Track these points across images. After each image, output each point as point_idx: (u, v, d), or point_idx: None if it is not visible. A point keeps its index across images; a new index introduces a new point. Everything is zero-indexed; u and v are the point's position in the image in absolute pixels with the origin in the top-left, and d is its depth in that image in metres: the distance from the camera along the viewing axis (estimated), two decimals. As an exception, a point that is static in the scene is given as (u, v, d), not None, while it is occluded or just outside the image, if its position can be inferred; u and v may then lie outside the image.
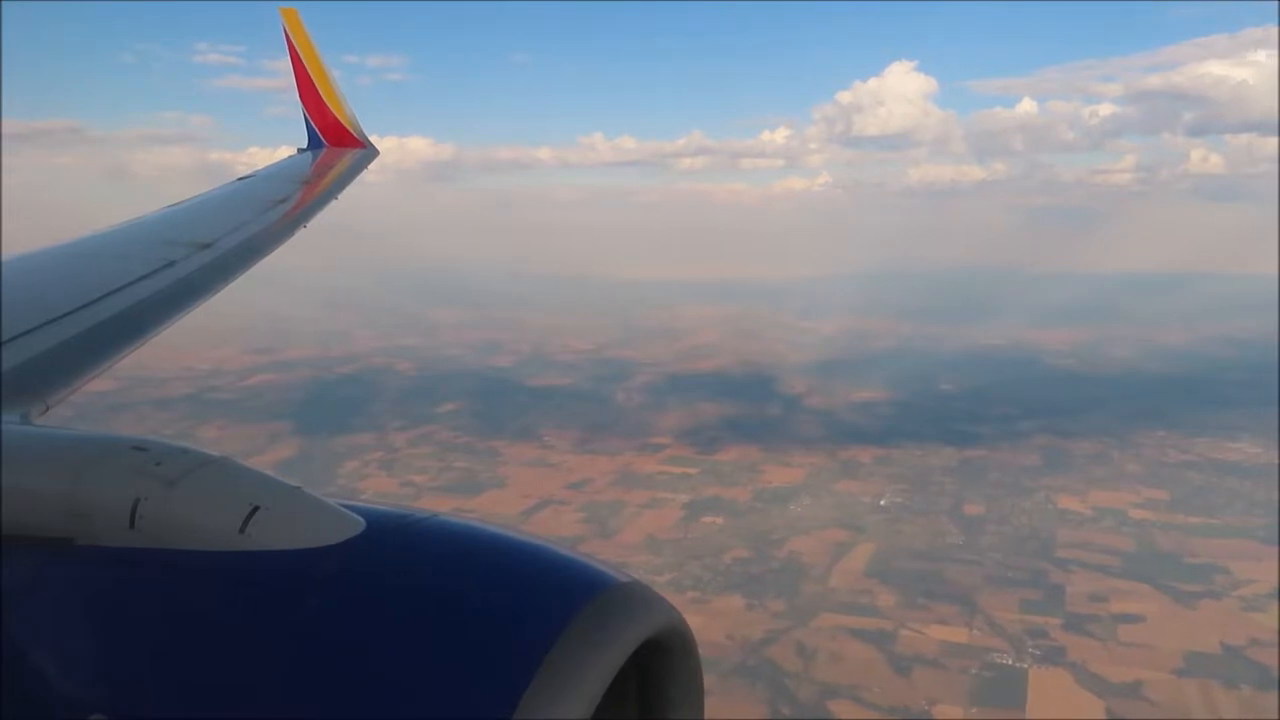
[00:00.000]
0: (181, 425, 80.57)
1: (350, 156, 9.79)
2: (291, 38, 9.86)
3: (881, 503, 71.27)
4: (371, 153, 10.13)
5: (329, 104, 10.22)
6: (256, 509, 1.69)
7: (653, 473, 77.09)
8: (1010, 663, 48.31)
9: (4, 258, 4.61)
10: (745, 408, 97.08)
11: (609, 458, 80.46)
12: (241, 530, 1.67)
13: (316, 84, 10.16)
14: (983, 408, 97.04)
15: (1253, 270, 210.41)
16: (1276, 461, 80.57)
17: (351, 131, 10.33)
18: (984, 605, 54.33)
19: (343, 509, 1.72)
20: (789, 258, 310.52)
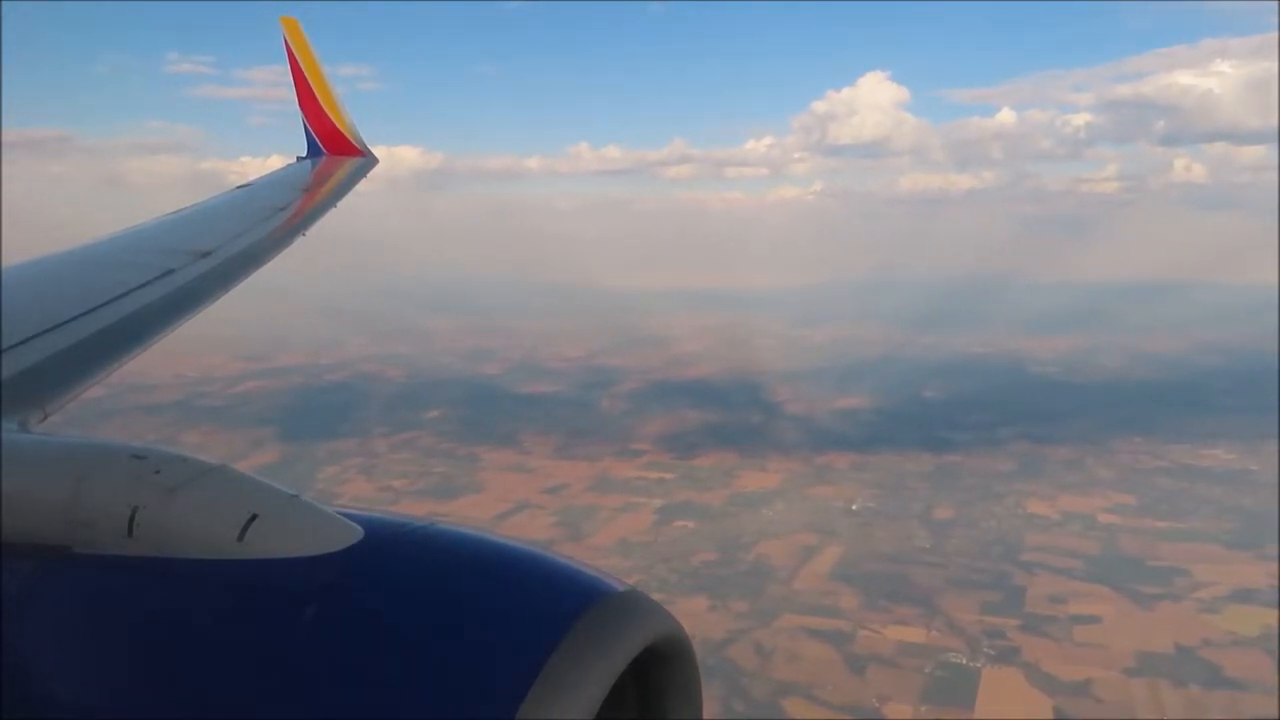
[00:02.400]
0: (167, 431, 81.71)
1: (349, 165, 9.91)
2: (292, 46, 10.01)
3: (853, 507, 72.14)
4: (371, 161, 10.26)
5: (328, 112, 10.33)
6: (255, 517, 1.69)
7: (630, 478, 78.10)
8: (965, 662, 49.14)
9: (3, 266, 4.60)
10: (727, 415, 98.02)
11: (587, 463, 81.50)
12: (240, 538, 1.67)
13: (316, 92, 10.27)
14: (964, 415, 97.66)
15: (1246, 279, 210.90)
16: (1251, 468, 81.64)
17: (351, 140, 10.44)
18: (944, 607, 55.16)
19: (341, 517, 1.73)
20: (783, 266, 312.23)
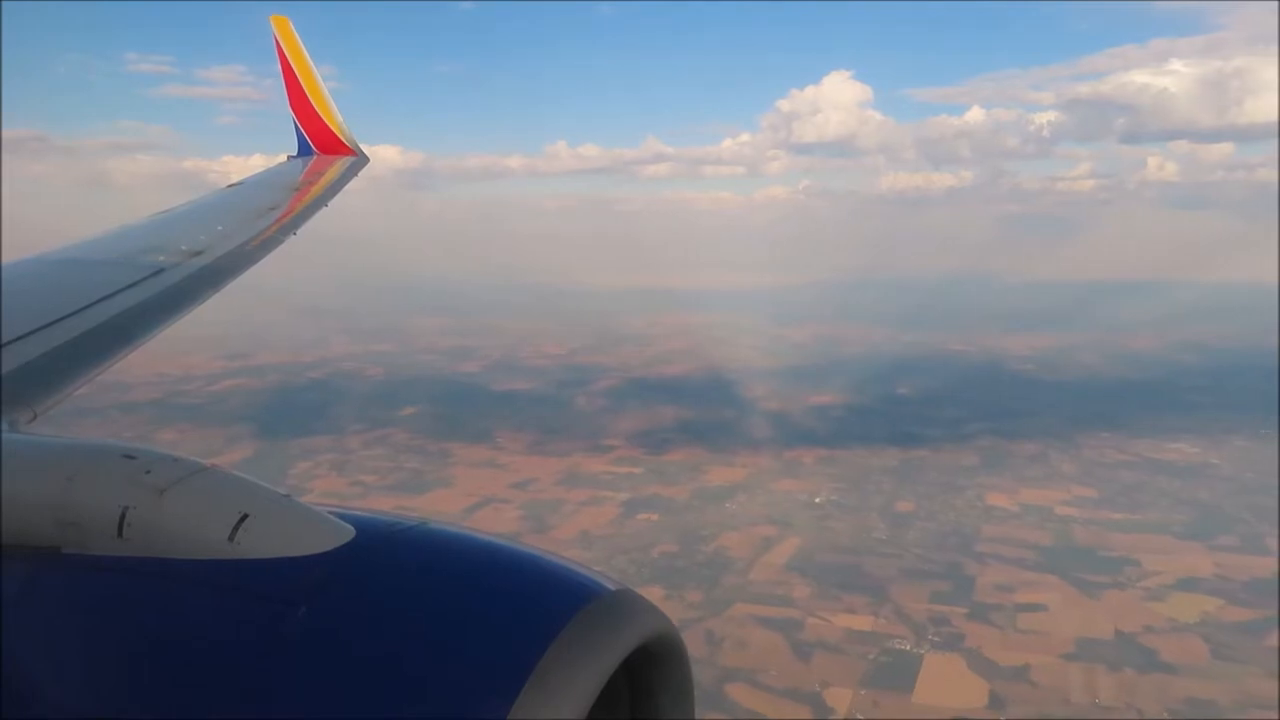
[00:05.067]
0: (143, 429, 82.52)
1: (340, 164, 9.91)
2: (282, 46, 10.03)
3: (816, 500, 73.26)
4: (362, 160, 10.22)
5: (320, 111, 10.34)
6: (245, 517, 1.69)
7: (598, 473, 79.11)
8: (909, 648, 50.24)
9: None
10: (700, 411, 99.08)
11: (558, 459, 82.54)
12: (230, 539, 1.67)
13: (307, 91, 10.29)
14: (935, 411, 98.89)
15: (1224, 277, 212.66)
16: (1212, 461, 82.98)
17: (342, 139, 10.46)
18: (895, 596, 56.28)
19: (332, 517, 1.73)
20: (769, 265, 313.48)
